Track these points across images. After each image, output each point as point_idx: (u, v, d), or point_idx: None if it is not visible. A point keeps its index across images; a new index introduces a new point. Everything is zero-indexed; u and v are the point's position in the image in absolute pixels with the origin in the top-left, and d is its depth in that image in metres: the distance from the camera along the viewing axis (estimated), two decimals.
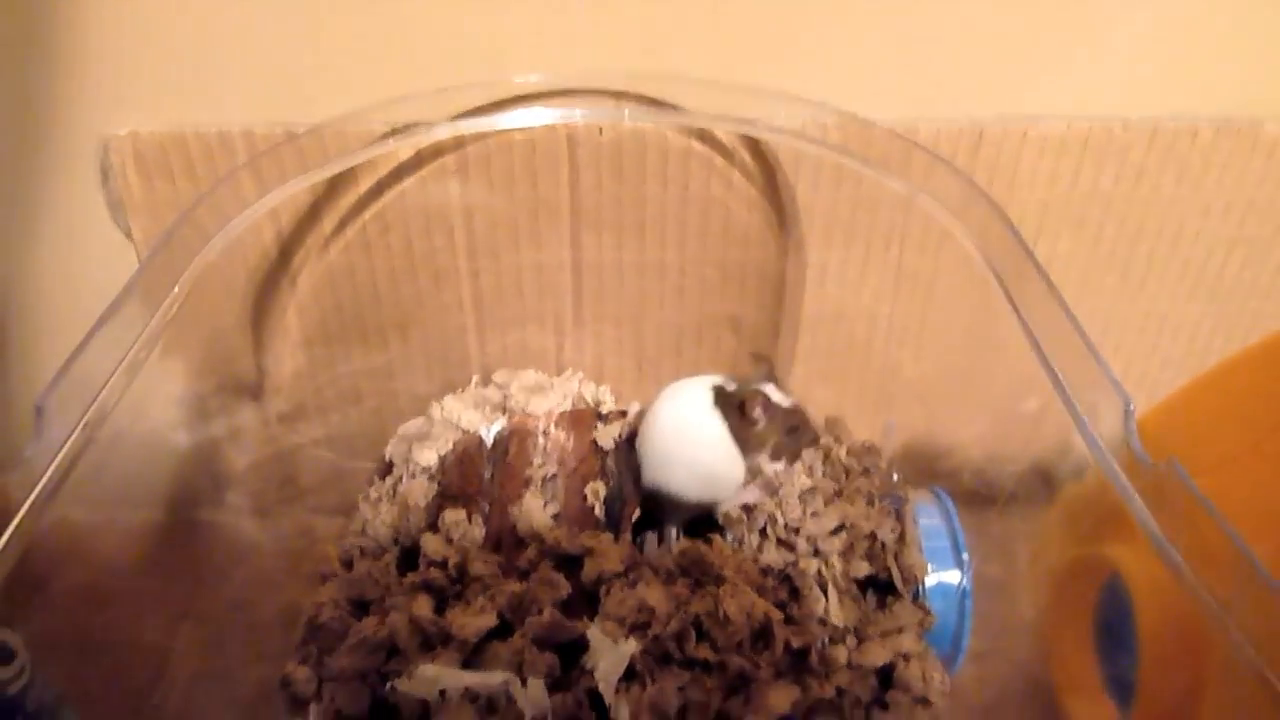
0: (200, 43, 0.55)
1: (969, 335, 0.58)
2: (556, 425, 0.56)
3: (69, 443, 0.36)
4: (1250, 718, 0.41)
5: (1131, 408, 0.33)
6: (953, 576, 0.51)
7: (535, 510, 0.50)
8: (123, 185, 0.57)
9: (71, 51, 0.55)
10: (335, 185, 0.56)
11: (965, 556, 0.51)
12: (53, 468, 0.35)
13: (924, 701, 0.45)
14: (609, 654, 0.41)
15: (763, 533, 0.50)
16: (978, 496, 0.58)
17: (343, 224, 0.58)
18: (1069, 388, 0.37)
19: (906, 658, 0.46)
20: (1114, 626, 0.53)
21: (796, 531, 0.50)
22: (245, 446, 0.61)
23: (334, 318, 0.61)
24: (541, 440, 0.56)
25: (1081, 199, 0.59)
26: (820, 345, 0.64)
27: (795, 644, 0.44)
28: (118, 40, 0.54)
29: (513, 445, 0.55)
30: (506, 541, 0.50)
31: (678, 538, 0.51)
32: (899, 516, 0.51)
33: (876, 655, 0.46)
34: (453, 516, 0.51)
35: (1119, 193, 0.59)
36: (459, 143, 0.56)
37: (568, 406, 0.60)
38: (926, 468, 0.60)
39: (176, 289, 0.46)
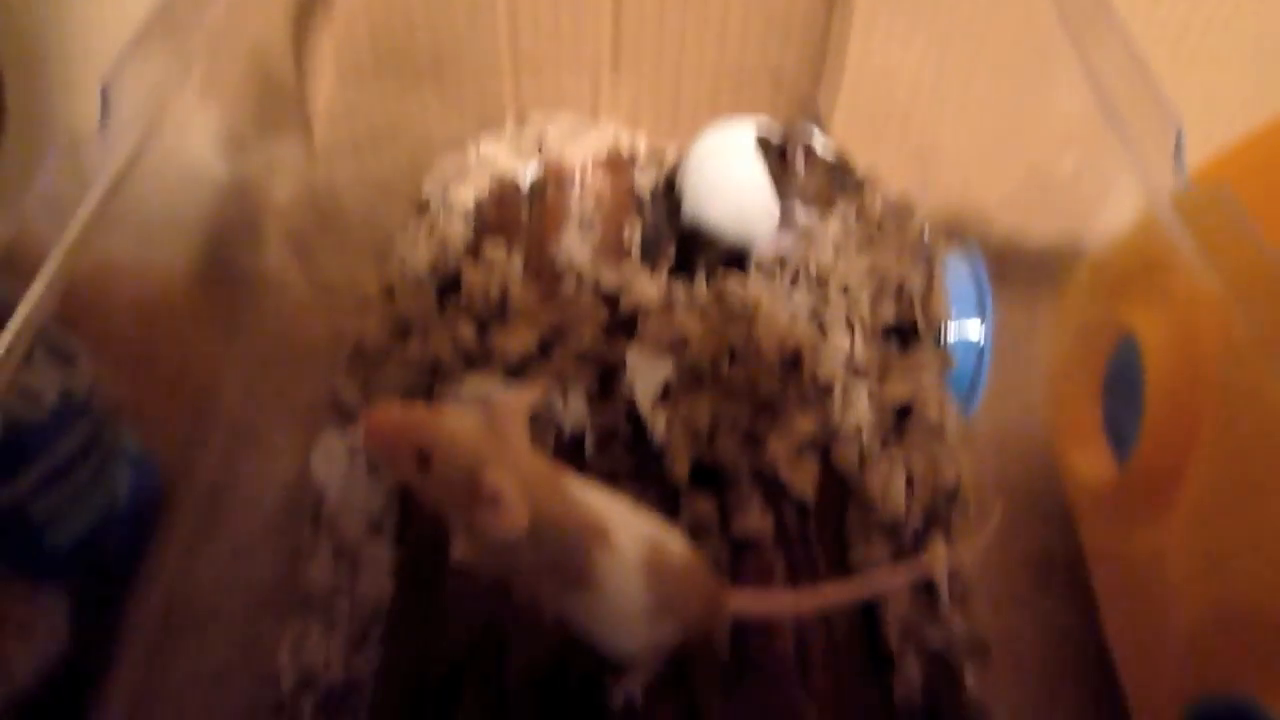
0: None
1: (1015, 94, 0.57)
2: (594, 167, 0.57)
3: (138, 130, 0.37)
4: (1251, 462, 0.44)
5: (1182, 135, 0.33)
6: (975, 326, 0.52)
7: (574, 244, 0.51)
8: None
9: None
10: None
11: (989, 307, 0.53)
12: (127, 150, 0.36)
13: (939, 434, 0.48)
14: (646, 371, 0.43)
15: (794, 277, 0.52)
16: (1007, 256, 0.59)
17: None
18: (1119, 113, 0.37)
19: (925, 395, 0.48)
20: (1121, 385, 0.56)
21: (828, 276, 0.51)
22: (283, 183, 0.61)
23: (370, 52, 0.60)
24: (579, 182, 0.56)
25: None
26: (861, 102, 0.63)
27: (822, 375, 0.46)
28: None
29: (550, 186, 0.56)
30: (546, 275, 0.52)
31: (711, 278, 0.53)
32: (928, 265, 0.52)
33: (897, 391, 0.48)
34: (492, 248, 0.52)
35: None
36: None
37: (605, 150, 0.60)
38: (958, 228, 0.61)
39: (211, 18, 0.45)
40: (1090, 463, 0.57)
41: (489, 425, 0.32)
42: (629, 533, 0.32)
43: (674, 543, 0.33)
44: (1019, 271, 0.59)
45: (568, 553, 0.31)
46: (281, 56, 0.57)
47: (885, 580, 0.40)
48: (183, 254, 0.59)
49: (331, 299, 0.61)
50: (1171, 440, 0.49)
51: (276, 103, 0.59)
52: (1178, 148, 0.33)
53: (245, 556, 0.51)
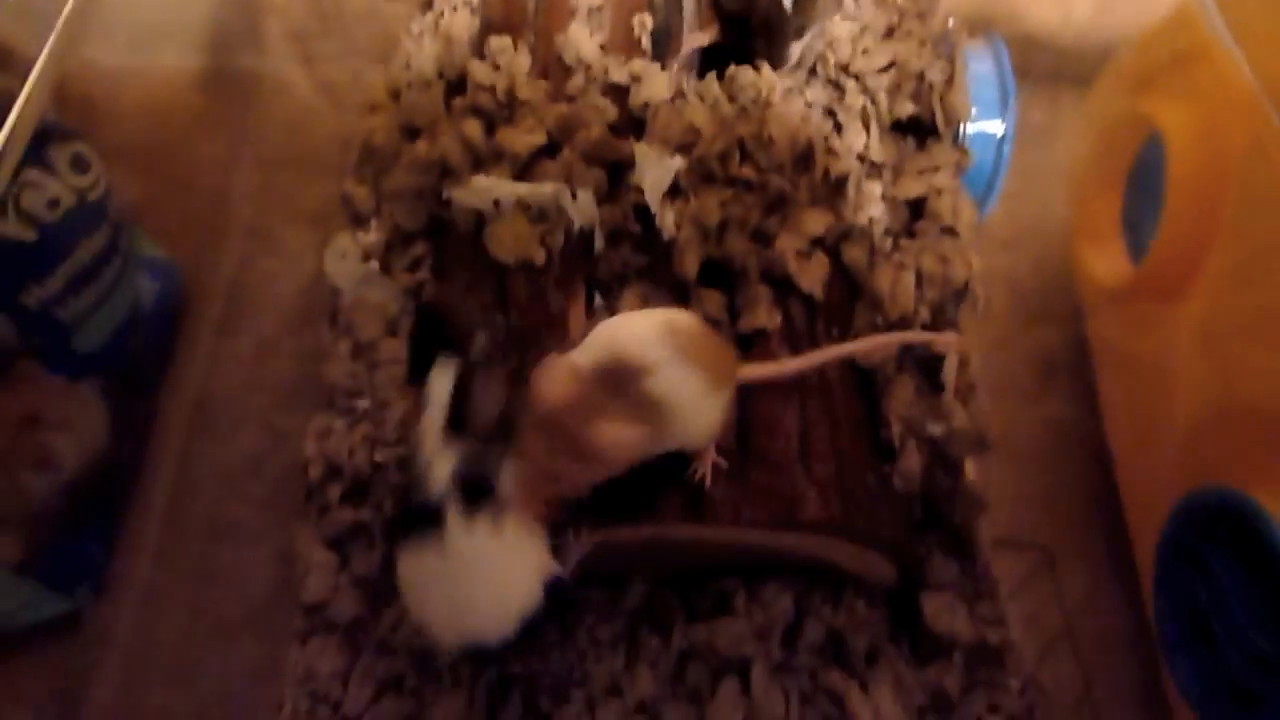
0: None
1: None
2: None
3: None
4: (1262, 258, 0.43)
5: None
6: (995, 122, 0.51)
7: (582, 39, 0.50)
8: None
9: None
10: None
11: (1011, 102, 0.51)
12: None
13: (951, 232, 0.47)
14: (655, 167, 0.43)
15: (812, 71, 0.50)
16: (1033, 50, 0.57)
17: None
18: None
19: (940, 192, 0.48)
20: (1143, 184, 0.55)
21: (845, 69, 0.49)
22: None
23: None
24: None
25: None
26: None
27: (834, 172, 0.46)
28: None
29: None
30: (553, 71, 0.50)
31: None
32: (950, 59, 0.50)
33: (910, 188, 0.47)
34: (499, 43, 0.50)
35: None
36: None
37: None
38: (983, 20, 0.58)
39: None
40: (1105, 261, 0.56)
41: None
42: (650, 348, 0.34)
43: (681, 318, 0.36)
44: (1044, 67, 0.57)
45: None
46: None
47: (881, 342, 0.42)
48: (183, 60, 0.58)
49: (337, 100, 0.60)
50: (1189, 237, 0.49)
51: None
52: None
53: (268, 354, 0.52)
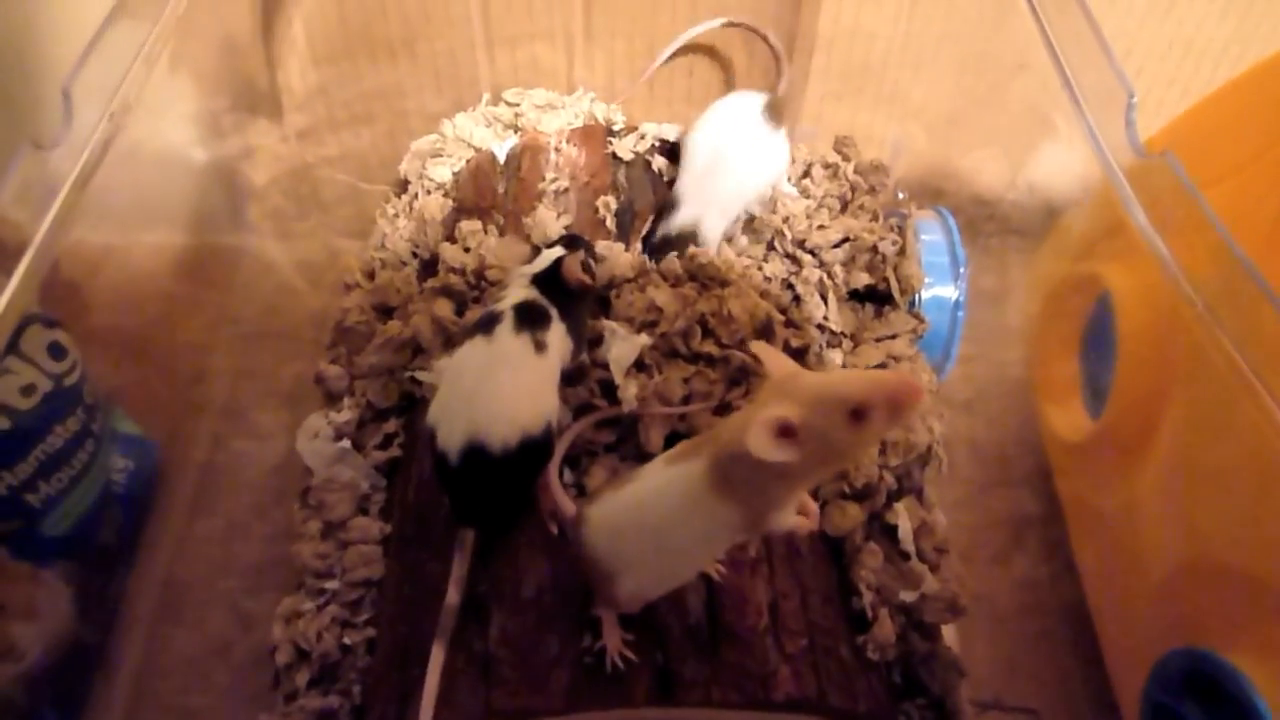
0: None
1: (983, 58, 0.57)
2: (569, 141, 0.57)
3: (99, 127, 0.37)
4: (1217, 416, 0.44)
5: (1134, 100, 0.34)
6: (948, 288, 0.53)
7: (549, 221, 0.52)
8: None
9: None
10: None
11: (962, 270, 0.53)
12: (87, 151, 0.37)
13: None
14: (621, 343, 0.44)
15: (770, 245, 0.52)
16: (979, 218, 0.59)
17: None
18: (1075, 81, 0.37)
19: (898, 359, 0.49)
20: (1096, 340, 0.57)
21: (802, 244, 0.51)
22: (261, 165, 0.62)
23: (341, 32, 0.60)
24: (554, 155, 0.57)
25: None
26: (835, 64, 0.63)
27: (795, 343, 0.47)
28: None
29: (525, 160, 0.56)
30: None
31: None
32: (901, 231, 0.53)
33: (870, 356, 0.49)
34: (469, 226, 0.53)
35: None
36: None
37: (579, 124, 0.61)
38: (931, 189, 0.61)
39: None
40: (1066, 418, 0.58)
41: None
42: None
43: None
44: (993, 228, 0.59)
45: None
46: (253, 42, 0.58)
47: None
48: (166, 239, 0.60)
49: (315, 278, 0.62)
50: (1142, 395, 0.50)
51: (250, 87, 0.59)
52: (1129, 119, 0.34)
53: (238, 536, 0.52)
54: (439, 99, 0.63)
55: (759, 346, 0.34)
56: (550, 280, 0.42)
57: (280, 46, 0.60)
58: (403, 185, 0.60)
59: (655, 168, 0.57)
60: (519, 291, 0.42)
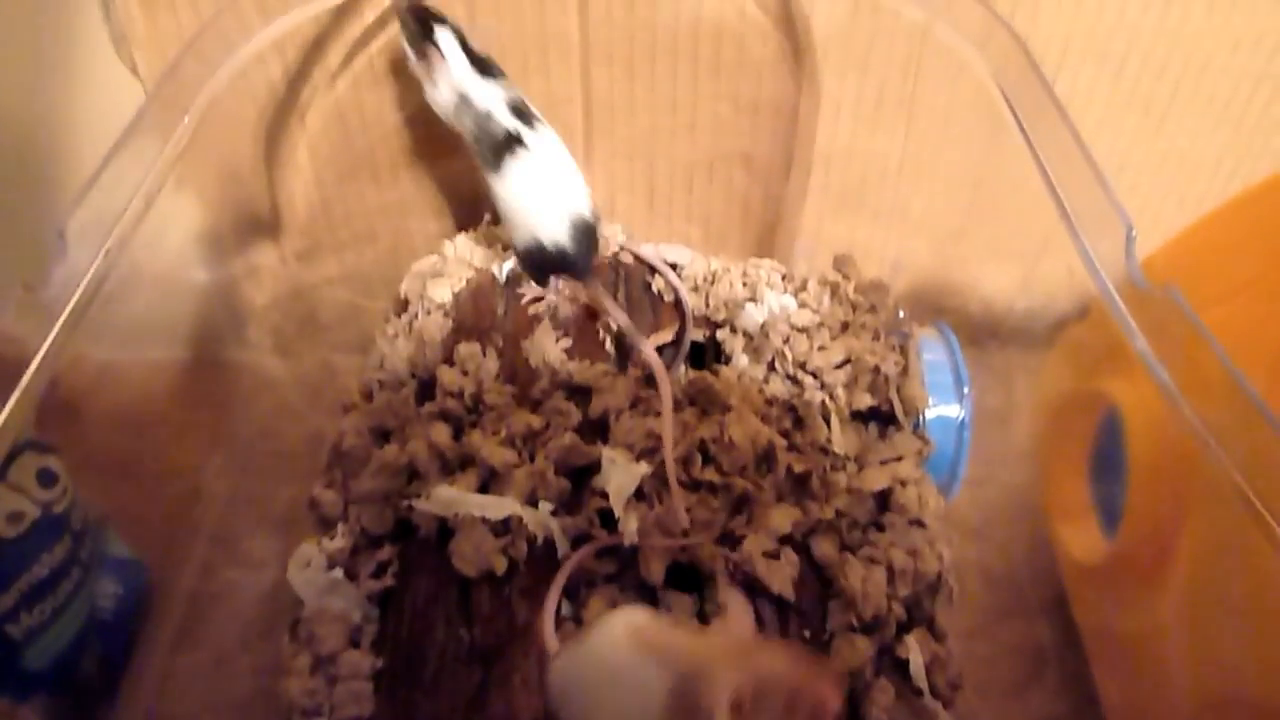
0: None
1: (980, 173, 0.58)
2: None
3: (93, 266, 0.37)
4: (1232, 544, 0.43)
5: (1133, 233, 0.34)
6: (953, 408, 0.52)
7: (548, 344, 0.52)
8: (125, 18, 0.56)
9: None
10: (341, 16, 0.55)
11: (966, 389, 0.53)
12: (80, 290, 0.37)
13: (919, 524, 0.47)
14: (620, 472, 0.43)
15: (770, 366, 0.52)
16: (982, 332, 0.59)
17: (349, 57, 0.57)
18: (1073, 214, 0.37)
19: (904, 483, 0.48)
20: (1107, 458, 0.55)
21: (803, 366, 0.51)
22: (263, 284, 0.62)
23: (345, 154, 0.61)
24: (554, 278, 0.57)
25: (1106, 30, 0.58)
26: (833, 182, 0.63)
27: (797, 469, 0.46)
28: None
29: (524, 281, 0.56)
30: (520, 374, 0.52)
31: (686, 370, 0.53)
32: (903, 350, 0.52)
33: (875, 480, 0.48)
34: (467, 349, 0.52)
35: (1146, 24, 0.58)
36: None
37: None
38: (933, 304, 0.61)
39: (186, 119, 0.46)
40: (1080, 539, 0.56)
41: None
42: None
43: None
44: (995, 345, 0.59)
45: None
46: (256, 164, 0.58)
47: None
48: (164, 356, 0.59)
49: (313, 397, 0.61)
50: (1157, 516, 0.49)
51: (252, 207, 0.60)
52: (1129, 252, 0.34)
53: (226, 668, 0.50)
54: (441, 220, 0.64)
55: (728, 594, 0.37)
56: None
57: (284, 168, 0.60)
58: (403, 305, 0.60)
59: (655, 289, 0.57)
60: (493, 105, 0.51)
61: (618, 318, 0.52)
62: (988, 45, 0.49)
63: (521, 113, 0.52)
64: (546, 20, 0.57)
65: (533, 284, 0.55)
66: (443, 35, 0.51)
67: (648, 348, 0.49)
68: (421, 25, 0.51)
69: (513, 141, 0.52)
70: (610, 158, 0.63)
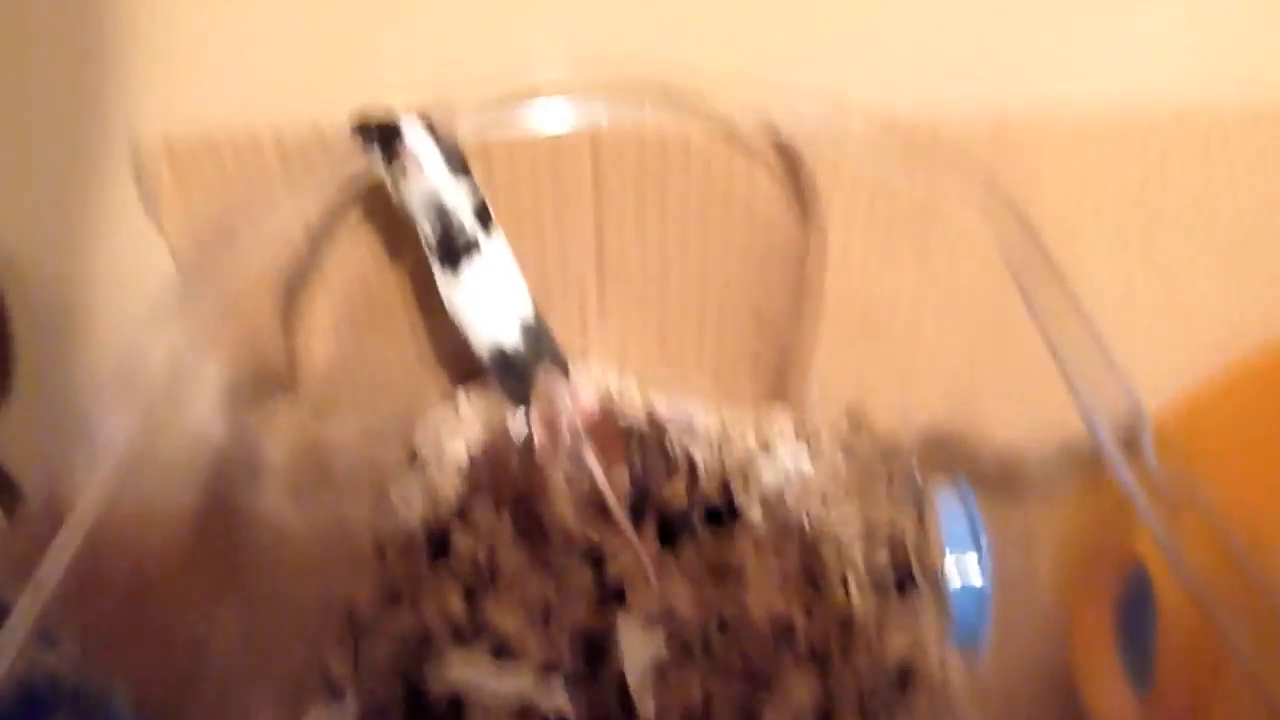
0: (230, 41, 0.56)
1: (991, 326, 0.58)
2: (583, 417, 0.57)
3: (125, 439, 0.38)
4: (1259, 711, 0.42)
5: (1148, 428, 0.34)
6: (972, 566, 0.51)
7: (563, 504, 0.51)
8: (155, 183, 0.58)
9: (101, 50, 0.56)
10: (363, 175, 0.57)
11: (985, 545, 0.52)
12: (110, 464, 0.37)
13: (942, 692, 0.46)
14: (636, 646, 0.43)
15: (785, 528, 0.51)
16: (1000, 483, 0.59)
17: (369, 212, 0.59)
18: (1086, 399, 0.37)
19: (925, 649, 0.47)
20: (1136, 614, 0.54)
21: (819, 529, 0.51)
22: (279, 437, 0.62)
23: (364, 310, 0.62)
24: (567, 433, 0.57)
25: (1113, 194, 0.59)
26: (842, 332, 0.64)
27: (816, 638, 0.45)
28: (148, 41, 0.55)
29: (538, 438, 0.56)
30: (535, 537, 0.51)
31: (701, 532, 0.52)
32: (919, 507, 0.52)
33: (896, 647, 0.47)
34: (481, 509, 0.52)
35: (1153, 187, 0.59)
36: (480, 135, 0.57)
37: (592, 396, 0.61)
38: (948, 455, 0.60)
39: (215, 294, 0.47)
40: (1109, 698, 0.54)
41: None
42: None
43: None
44: (1013, 498, 0.58)
45: None
46: (275, 321, 0.59)
47: None
48: (177, 508, 0.59)
49: (325, 552, 0.61)
50: (1190, 674, 0.48)
51: (271, 362, 0.61)
52: (1144, 443, 0.34)
53: None
54: (457, 369, 0.65)
55: None
56: None
57: (303, 322, 0.61)
58: (417, 459, 0.60)
59: (670, 450, 0.57)
60: (460, 205, 0.50)
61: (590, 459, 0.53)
62: (988, 211, 0.50)
63: (482, 216, 0.52)
64: (562, 181, 0.58)
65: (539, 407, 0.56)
66: (412, 131, 0.50)
67: (618, 510, 0.50)
68: (385, 130, 0.50)
69: (472, 247, 0.52)
70: (623, 309, 0.64)
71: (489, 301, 0.53)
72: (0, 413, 0.68)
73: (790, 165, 0.58)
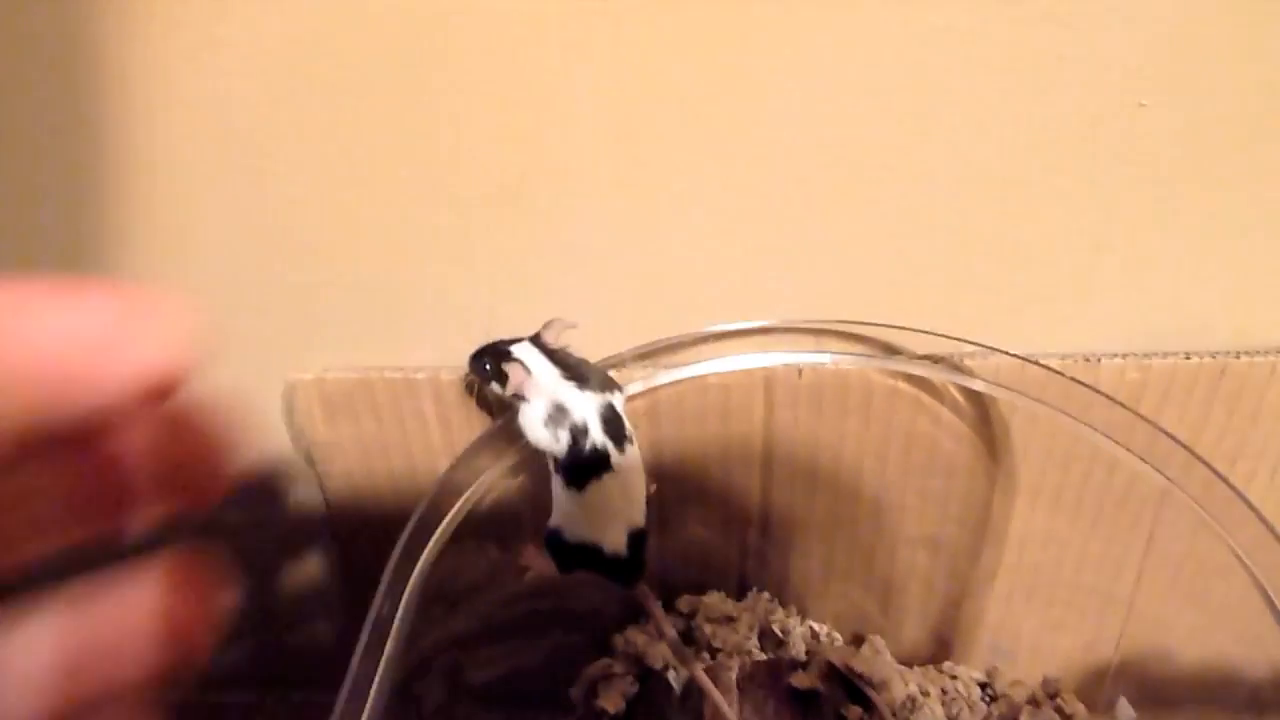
0: (386, 288, 0.54)
1: (1177, 563, 0.53)
2: (750, 680, 0.54)
3: None
4: None
5: None
6: None
7: None
8: (307, 424, 0.56)
9: (257, 297, 0.54)
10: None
11: None
12: None
13: None
14: None
15: None
16: None
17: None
18: None
19: None
20: None
21: None
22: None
23: None
24: (735, 694, 0.53)
25: None
26: (1024, 570, 0.59)
27: None
28: (304, 288, 0.53)
29: (706, 707, 0.53)
30: None
31: None
32: None
33: None
34: None
35: None
36: (650, 386, 0.53)
37: (755, 638, 0.58)
38: (1151, 694, 0.56)
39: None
40: None
41: None
42: None
43: None
44: None
45: None
46: None
47: None
48: None
49: None
50: None
51: None
52: None
53: None
54: (607, 608, 0.61)
55: None
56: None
57: None
58: (573, 711, 0.57)
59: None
60: (589, 417, 0.46)
61: (665, 630, 0.52)
62: (1187, 479, 0.46)
63: (612, 424, 0.47)
64: (731, 425, 0.55)
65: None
66: (519, 348, 0.47)
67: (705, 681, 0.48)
68: (496, 356, 0.47)
69: (602, 464, 0.46)
70: (788, 536, 0.60)
71: (607, 512, 0.48)
72: None
73: (981, 415, 0.54)
